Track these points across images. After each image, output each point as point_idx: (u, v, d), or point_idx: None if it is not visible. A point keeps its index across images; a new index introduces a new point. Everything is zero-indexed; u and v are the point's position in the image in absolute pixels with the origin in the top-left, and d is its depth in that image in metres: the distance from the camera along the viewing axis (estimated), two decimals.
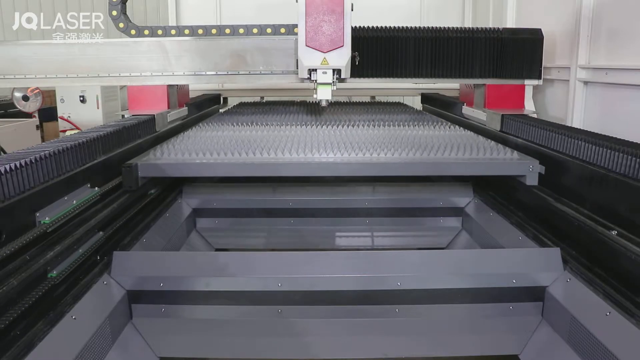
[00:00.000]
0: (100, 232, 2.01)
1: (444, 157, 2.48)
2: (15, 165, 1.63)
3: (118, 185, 2.28)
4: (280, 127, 3.25)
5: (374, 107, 4.64)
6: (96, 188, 2.07)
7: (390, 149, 2.55)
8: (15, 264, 1.52)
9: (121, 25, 3.49)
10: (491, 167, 2.45)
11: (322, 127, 3.23)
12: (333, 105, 4.63)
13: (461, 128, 3.33)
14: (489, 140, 2.85)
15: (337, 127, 3.22)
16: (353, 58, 3.04)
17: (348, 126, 3.26)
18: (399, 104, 5.11)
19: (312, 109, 4.30)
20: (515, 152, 2.55)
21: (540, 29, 3.69)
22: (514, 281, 2.00)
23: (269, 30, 3.51)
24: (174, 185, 3.09)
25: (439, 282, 2.03)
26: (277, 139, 2.78)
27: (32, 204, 1.66)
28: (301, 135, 2.92)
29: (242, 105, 5.03)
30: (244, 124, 3.43)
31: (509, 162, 2.44)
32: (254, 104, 5.18)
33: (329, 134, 2.96)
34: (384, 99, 6.15)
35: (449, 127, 3.34)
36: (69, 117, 6.41)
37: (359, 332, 2.01)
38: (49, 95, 6.82)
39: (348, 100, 5.84)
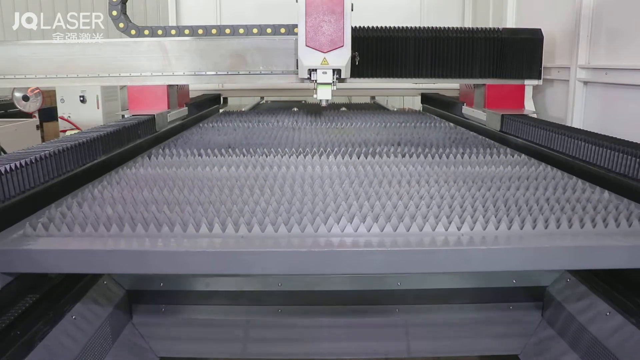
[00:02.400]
0: None
1: (537, 233, 1.46)
2: (15, 165, 1.64)
3: None
4: (266, 159, 2.37)
5: (391, 118, 3.88)
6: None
7: (449, 207, 1.62)
8: None
9: (121, 25, 3.50)
10: (607, 255, 1.40)
11: (329, 157, 2.41)
12: (338, 114, 4.11)
13: (531, 159, 2.42)
14: (585, 182, 1.98)
15: (352, 157, 2.40)
16: (353, 58, 3.04)
17: (366, 155, 2.43)
18: (419, 112, 4.60)
19: (313, 120, 3.78)
20: None
21: (540, 29, 3.69)
22: (514, 281, 1.99)
23: (269, 30, 3.51)
24: None
25: (439, 282, 2.03)
26: (260, 186, 1.87)
27: (32, 204, 1.66)
28: (297, 178, 2.01)
29: (225, 115, 4.26)
30: (217, 151, 2.52)
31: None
32: (241, 113, 4.50)
33: (339, 174, 2.06)
34: (384, 100, 6.16)
35: (512, 156, 2.46)
36: (69, 117, 6.43)
37: (359, 332, 2.00)
38: (49, 95, 6.83)
39: (349, 101, 5.82)
